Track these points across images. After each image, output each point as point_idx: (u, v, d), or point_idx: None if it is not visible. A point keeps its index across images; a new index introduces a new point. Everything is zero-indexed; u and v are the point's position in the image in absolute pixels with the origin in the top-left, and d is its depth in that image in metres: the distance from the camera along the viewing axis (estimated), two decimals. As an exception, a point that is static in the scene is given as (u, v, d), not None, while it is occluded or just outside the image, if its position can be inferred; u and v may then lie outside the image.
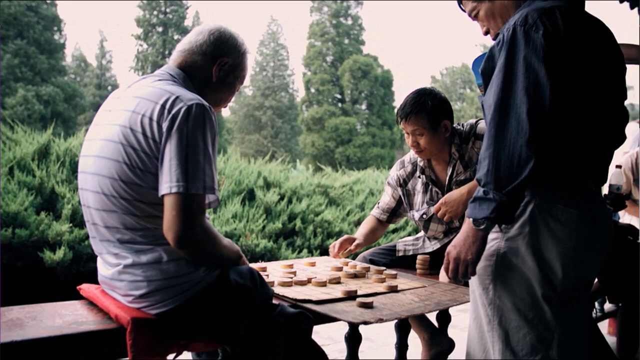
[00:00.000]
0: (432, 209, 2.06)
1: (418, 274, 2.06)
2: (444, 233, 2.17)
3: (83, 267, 5.16)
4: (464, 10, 1.56)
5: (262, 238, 6.12)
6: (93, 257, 5.31)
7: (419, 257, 2.10)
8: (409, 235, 3.83)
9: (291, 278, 1.71)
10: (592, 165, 1.37)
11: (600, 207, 1.40)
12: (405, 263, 2.20)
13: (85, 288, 1.45)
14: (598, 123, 1.34)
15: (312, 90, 30.25)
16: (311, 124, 29.23)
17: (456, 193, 1.97)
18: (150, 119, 1.20)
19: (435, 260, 2.10)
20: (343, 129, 28.15)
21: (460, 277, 1.32)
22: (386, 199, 2.28)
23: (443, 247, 2.14)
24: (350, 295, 1.56)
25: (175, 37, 27.46)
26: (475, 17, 1.52)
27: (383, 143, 28.90)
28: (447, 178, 2.09)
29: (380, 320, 1.36)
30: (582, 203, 1.33)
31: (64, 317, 1.28)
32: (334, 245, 2.19)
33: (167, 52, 27.32)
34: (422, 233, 2.28)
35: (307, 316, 1.37)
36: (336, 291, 1.61)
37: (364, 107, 30.25)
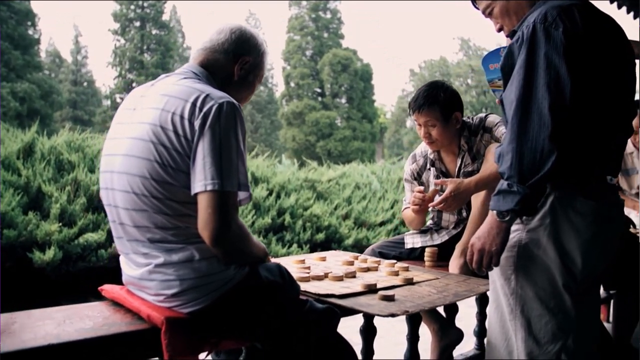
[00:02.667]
0: (436, 202, 2.02)
1: (427, 266, 2.10)
2: (455, 224, 2.22)
3: (73, 267, 5.10)
4: (477, 8, 1.59)
5: (251, 233, 6.11)
6: (82, 257, 5.26)
7: (427, 249, 2.14)
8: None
9: (308, 273, 1.73)
10: (606, 158, 1.42)
11: (614, 198, 1.45)
12: (414, 255, 2.24)
13: (109, 289, 1.44)
14: (612, 117, 1.39)
15: (292, 84, 30.15)
16: (291, 118, 29.16)
17: (464, 186, 1.96)
18: (182, 117, 1.20)
19: (443, 252, 2.15)
20: (323, 123, 28.15)
21: (485, 267, 1.36)
22: (408, 195, 2.31)
23: (451, 239, 2.18)
24: (371, 289, 1.59)
25: (154, 31, 27.01)
26: (489, 15, 1.55)
27: (364, 137, 29.00)
28: (456, 169, 2.14)
29: (406, 312, 1.39)
30: (598, 195, 1.37)
31: (94, 319, 1.27)
32: (416, 196, 2.06)
33: (145, 47, 26.90)
34: (429, 225, 2.32)
35: (335, 311, 1.39)
36: (355, 285, 1.63)
37: (344, 100, 30.27)
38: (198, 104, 1.20)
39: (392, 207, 8.52)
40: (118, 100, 27.46)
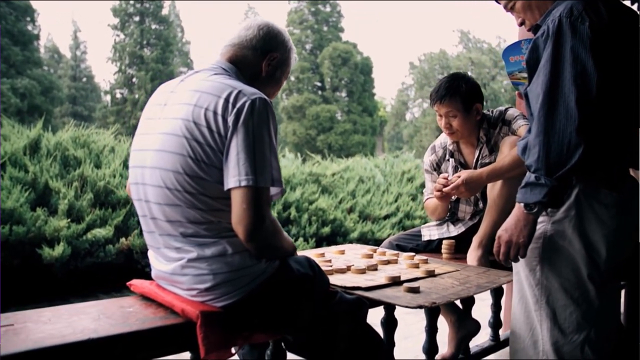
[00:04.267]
0: (449, 188, 2.05)
1: (444, 258, 2.12)
2: (471, 215, 2.24)
3: (81, 262, 5.12)
4: (498, 3, 1.60)
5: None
6: (90, 253, 5.27)
7: (444, 242, 2.16)
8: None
9: (330, 266, 1.74)
10: (629, 150, 1.44)
11: (635, 190, 1.47)
12: (430, 248, 2.26)
13: (138, 284, 1.44)
14: (634, 109, 1.40)
15: (292, 78, 30.06)
16: (292, 113, 29.13)
17: (476, 174, 2.02)
18: (215, 112, 1.21)
19: (459, 244, 2.17)
20: (324, 117, 28.12)
21: (512, 259, 1.38)
22: (429, 185, 2.33)
23: (467, 231, 2.20)
24: (395, 281, 1.61)
25: (153, 26, 26.91)
26: (510, 9, 1.56)
27: (364, 130, 28.99)
28: (474, 160, 2.16)
29: (434, 304, 1.41)
30: (621, 187, 1.39)
31: (127, 314, 1.28)
32: (440, 182, 2.08)
33: (145, 42, 26.81)
34: (445, 217, 2.33)
35: (364, 302, 1.41)
36: (378, 277, 1.65)
37: (344, 94, 30.24)
38: (231, 100, 1.21)
39: (395, 201, 8.55)
40: (118, 95, 27.40)
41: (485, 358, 2.41)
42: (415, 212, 8.44)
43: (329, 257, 1.94)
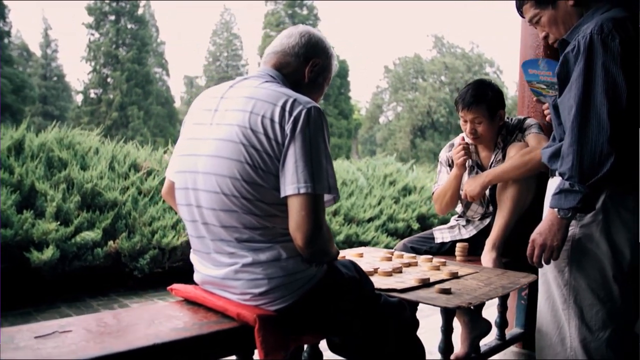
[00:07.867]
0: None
1: (458, 261, 2.20)
2: (481, 216, 2.32)
3: (69, 266, 5.03)
4: (522, 17, 1.68)
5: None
6: (78, 256, 5.17)
7: (458, 244, 2.24)
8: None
9: (357, 269, 1.79)
10: None
11: None
12: (443, 250, 2.34)
13: (182, 289, 1.45)
14: None
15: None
16: (268, 115, 29.05)
17: (479, 176, 2.17)
18: (272, 120, 1.24)
19: (471, 246, 2.25)
20: (300, 119, 28.17)
21: (545, 261, 1.46)
22: (444, 176, 2.40)
23: (479, 233, 2.29)
24: (425, 283, 1.67)
25: (129, 26, 26.49)
26: (536, 23, 1.64)
27: (340, 133, 29.17)
28: (489, 164, 2.26)
29: (470, 305, 1.47)
30: None
31: (181, 319, 1.29)
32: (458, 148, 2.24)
33: (120, 42, 26.36)
34: (454, 222, 2.41)
35: (405, 304, 1.47)
36: (407, 280, 1.71)
37: (320, 97, 30.38)
38: (287, 108, 1.24)
39: (379, 204, 8.64)
40: (92, 95, 26.83)
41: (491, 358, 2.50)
42: (399, 215, 8.55)
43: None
